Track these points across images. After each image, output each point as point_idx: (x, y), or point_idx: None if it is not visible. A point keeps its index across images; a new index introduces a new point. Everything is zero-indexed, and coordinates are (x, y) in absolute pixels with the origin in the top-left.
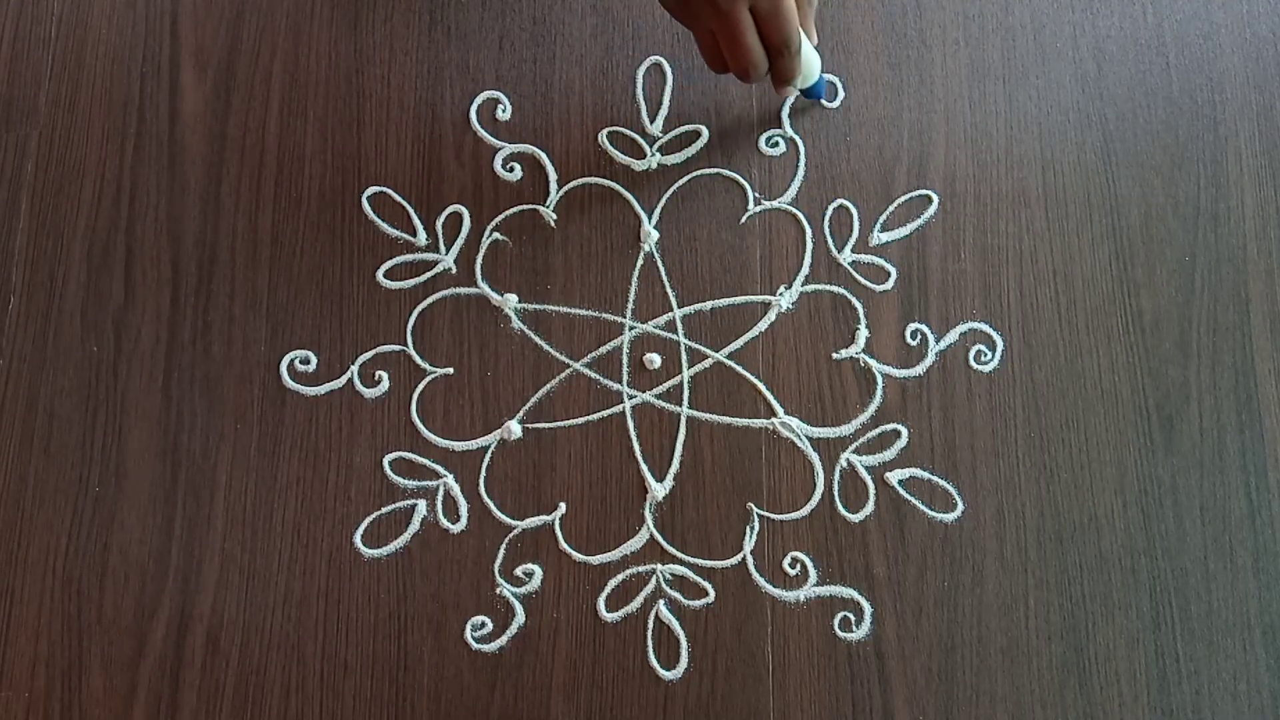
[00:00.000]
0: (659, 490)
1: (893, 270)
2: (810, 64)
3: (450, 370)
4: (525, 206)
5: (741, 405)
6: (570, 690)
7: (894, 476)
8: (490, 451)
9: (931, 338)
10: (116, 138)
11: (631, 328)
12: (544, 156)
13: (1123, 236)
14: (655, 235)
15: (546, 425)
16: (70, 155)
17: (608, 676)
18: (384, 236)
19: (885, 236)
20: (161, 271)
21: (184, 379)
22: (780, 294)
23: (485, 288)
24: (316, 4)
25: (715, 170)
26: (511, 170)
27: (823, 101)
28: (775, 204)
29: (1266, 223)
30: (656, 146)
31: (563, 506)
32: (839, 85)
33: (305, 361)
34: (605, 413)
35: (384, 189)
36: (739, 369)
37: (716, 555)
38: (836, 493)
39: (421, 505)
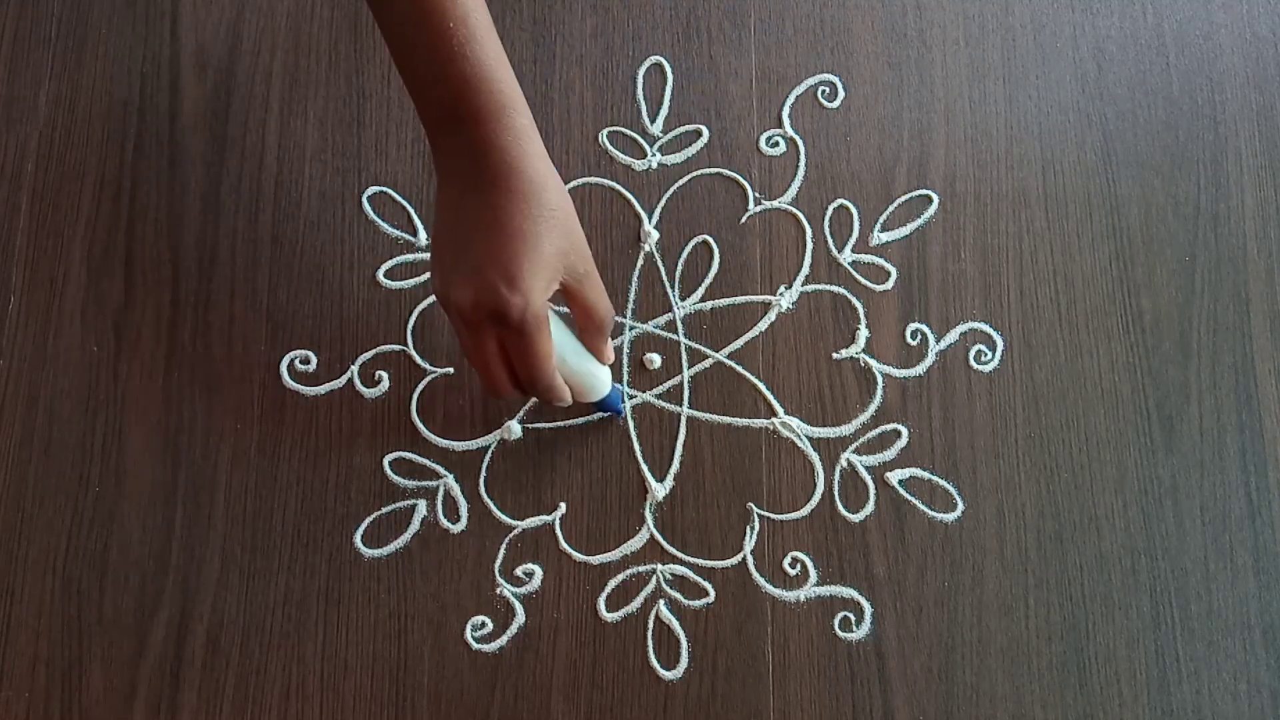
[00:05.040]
0: (659, 490)
1: (893, 270)
2: (591, 385)
3: (450, 370)
4: None
5: (741, 405)
6: (570, 690)
7: (894, 476)
8: (490, 451)
9: (931, 338)
10: (116, 138)
11: (631, 328)
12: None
13: (1123, 236)
14: (655, 235)
15: (546, 425)
16: (70, 155)
17: (608, 676)
18: (384, 236)
19: (885, 236)
20: (161, 271)
21: (184, 379)
22: (780, 294)
23: None
24: (316, 4)
25: (715, 170)
26: None
27: (619, 414)
28: (775, 204)
29: (1266, 223)
30: (656, 146)
31: (563, 506)
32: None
33: (305, 361)
34: (605, 412)
35: (384, 189)
36: (739, 369)
37: (716, 555)
38: (837, 493)
39: (421, 505)
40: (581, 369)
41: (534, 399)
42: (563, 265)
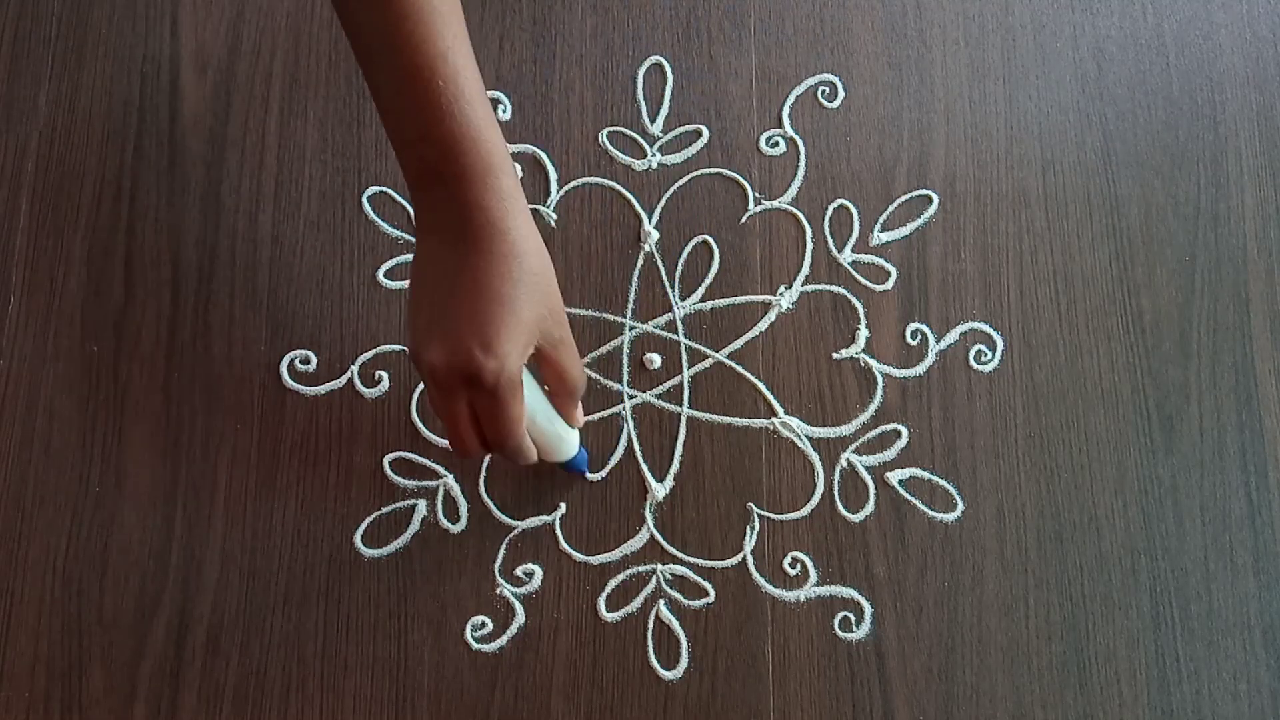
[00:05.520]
0: (659, 490)
1: (893, 270)
2: (557, 448)
3: None
4: None
5: (741, 405)
6: (570, 690)
7: (894, 476)
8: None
9: (931, 337)
10: (116, 138)
11: (631, 328)
12: (544, 156)
13: (1123, 236)
14: (655, 235)
15: None
16: (70, 155)
17: (608, 676)
18: (384, 236)
19: (885, 236)
20: (161, 271)
21: (184, 379)
22: (780, 294)
23: None
24: (316, 4)
25: (715, 170)
26: None
27: (585, 474)
28: (775, 204)
29: (1266, 223)
30: (656, 146)
31: (563, 506)
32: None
33: (305, 361)
34: (605, 413)
35: (384, 189)
36: (739, 369)
37: (716, 555)
38: (837, 493)
39: (421, 505)
40: (550, 431)
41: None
42: (539, 330)
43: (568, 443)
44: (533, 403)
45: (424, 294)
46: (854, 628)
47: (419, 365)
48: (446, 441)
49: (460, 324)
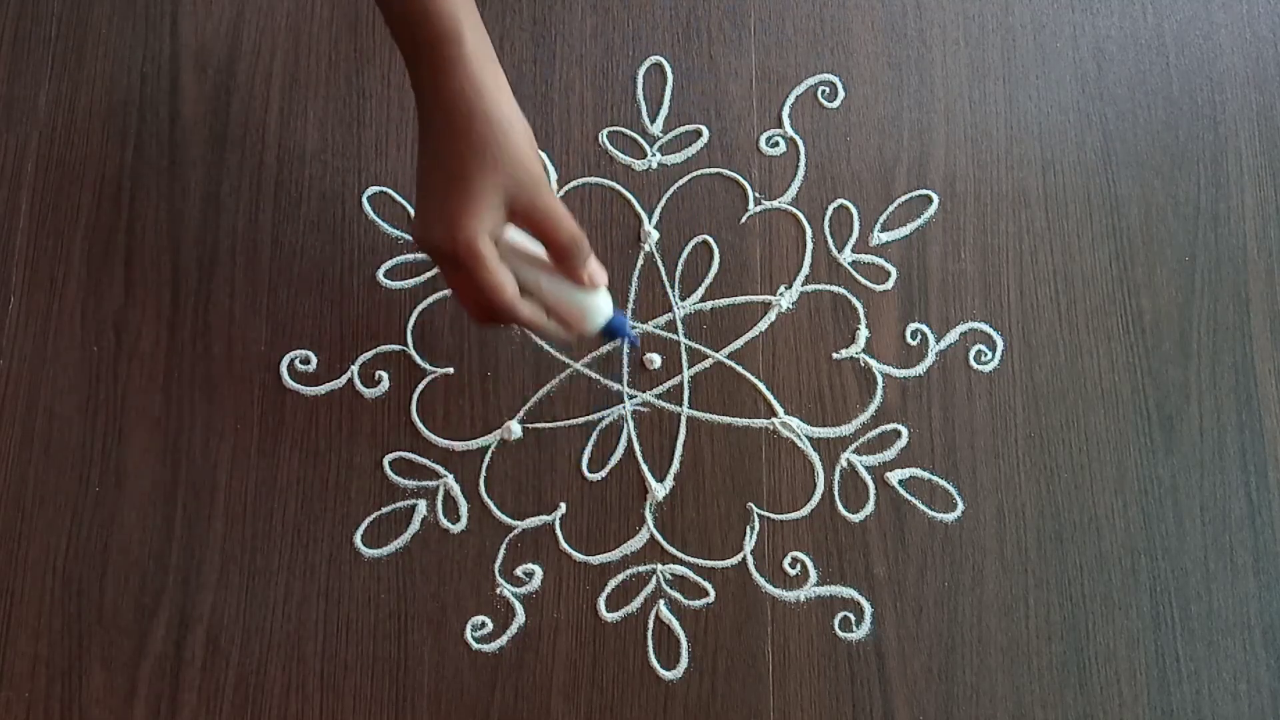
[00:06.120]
0: (659, 490)
1: (893, 270)
2: (580, 312)
3: (450, 370)
4: None
5: (742, 405)
6: (570, 690)
7: (894, 476)
8: (490, 451)
9: (931, 337)
10: (116, 138)
11: (632, 328)
12: (544, 156)
13: (1123, 236)
14: (655, 235)
15: (546, 425)
16: (70, 155)
17: (608, 676)
18: (384, 236)
19: (885, 236)
20: (161, 271)
21: (184, 379)
22: (780, 294)
23: None
24: (316, 4)
25: (715, 170)
26: None
27: (631, 340)
28: (775, 204)
29: (1266, 223)
30: (656, 146)
31: (563, 506)
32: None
33: (305, 361)
34: (605, 413)
35: (384, 189)
36: (739, 369)
37: (716, 555)
38: (837, 493)
39: (421, 505)
40: (565, 296)
41: (546, 343)
42: (505, 199)
43: (592, 306)
44: (533, 271)
45: (417, 183)
46: (854, 628)
47: (423, 251)
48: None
49: (427, 206)
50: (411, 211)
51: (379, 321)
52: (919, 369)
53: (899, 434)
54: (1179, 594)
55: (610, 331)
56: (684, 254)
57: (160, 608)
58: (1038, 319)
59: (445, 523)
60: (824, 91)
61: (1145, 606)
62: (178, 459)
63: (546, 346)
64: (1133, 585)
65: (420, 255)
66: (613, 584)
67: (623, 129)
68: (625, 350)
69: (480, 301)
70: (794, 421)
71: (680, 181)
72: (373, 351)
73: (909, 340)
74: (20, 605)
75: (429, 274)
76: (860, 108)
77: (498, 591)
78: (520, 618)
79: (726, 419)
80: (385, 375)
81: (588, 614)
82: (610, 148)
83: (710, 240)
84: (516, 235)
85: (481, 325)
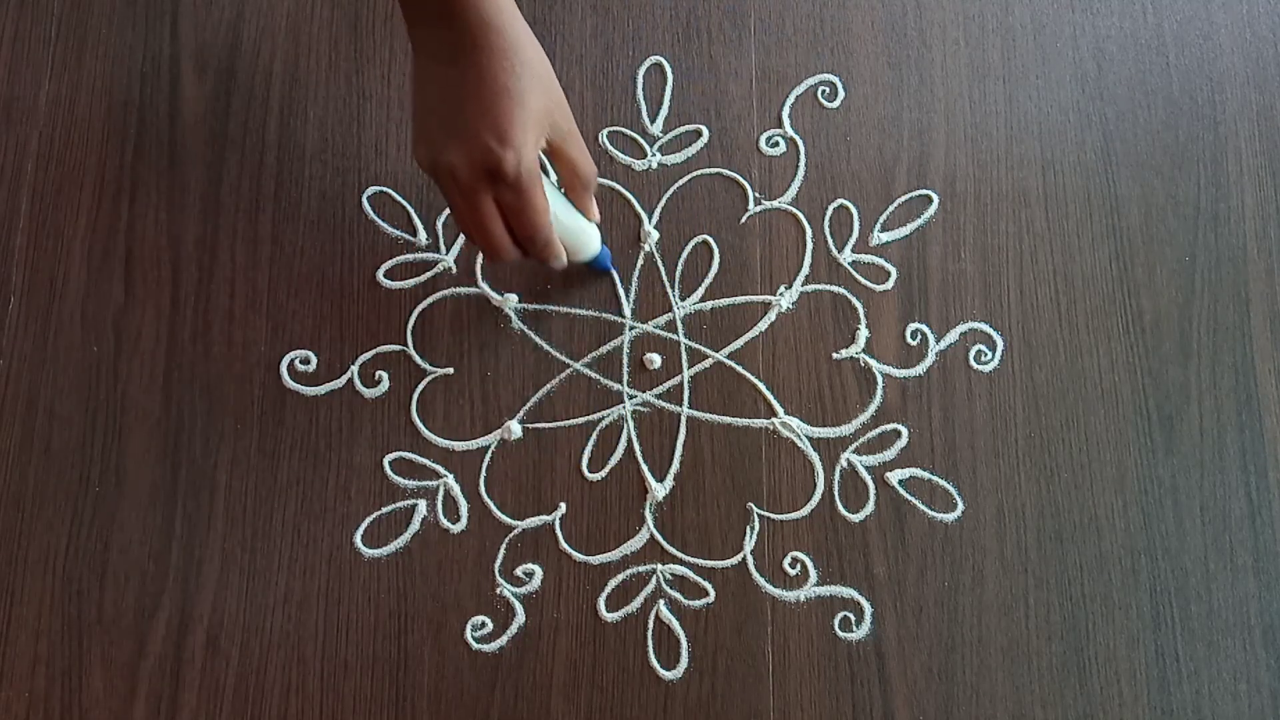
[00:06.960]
0: (659, 490)
1: (893, 270)
2: (583, 243)
3: (450, 370)
4: None
5: (741, 405)
6: (570, 690)
7: (894, 476)
8: (490, 451)
9: (931, 338)
10: (116, 138)
11: (631, 328)
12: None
13: (1123, 236)
14: (655, 235)
15: (546, 425)
16: (70, 155)
17: (608, 676)
18: (384, 236)
19: (885, 236)
20: (161, 271)
21: (184, 379)
22: (780, 294)
23: (485, 288)
24: (316, 4)
25: (715, 170)
26: None
27: (612, 271)
28: (775, 204)
29: (1266, 223)
30: (656, 146)
31: (563, 506)
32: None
33: (305, 361)
34: (605, 413)
35: (384, 189)
36: (739, 369)
37: (716, 555)
38: (837, 493)
39: (421, 505)
40: (573, 225)
41: (529, 265)
42: (548, 122)
43: (591, 237)
44: (553, 201)
45: (430, 105)
46: (854, 628)
47: (437, 174)
48: (481, 256)
49: (473, 122)
50: (411, 212)
51: (379, 321)
52: (919, 369)
53: (899, 434)
54: (1179, 594)
55: (595, 263)
56: (684, 254)
57: (160, 608)
58: (1038, 319)
59: (445, 523)
60: (824, 91)
61: (1145, 606)
62: (178, 459)
63: (546, 346)
64: (1133, 585)
65: (420, 255)
66: (613, 584)
67: (623, 129)
68: (616, 279)
69: (522, 227)
70: (794, 421)
71: (680, 181)
72: (373, 351)
73: (909, 340)
74: (20, 605)
75: (429, 274)
76: (860, 108)
77: (498, 591)
78: (520, 618)
79: (726, 419)
80: (385, 375)
81: (588, 614)
82: (610, 148)
83: (710, 240)
84: None
85: (499, 259)
